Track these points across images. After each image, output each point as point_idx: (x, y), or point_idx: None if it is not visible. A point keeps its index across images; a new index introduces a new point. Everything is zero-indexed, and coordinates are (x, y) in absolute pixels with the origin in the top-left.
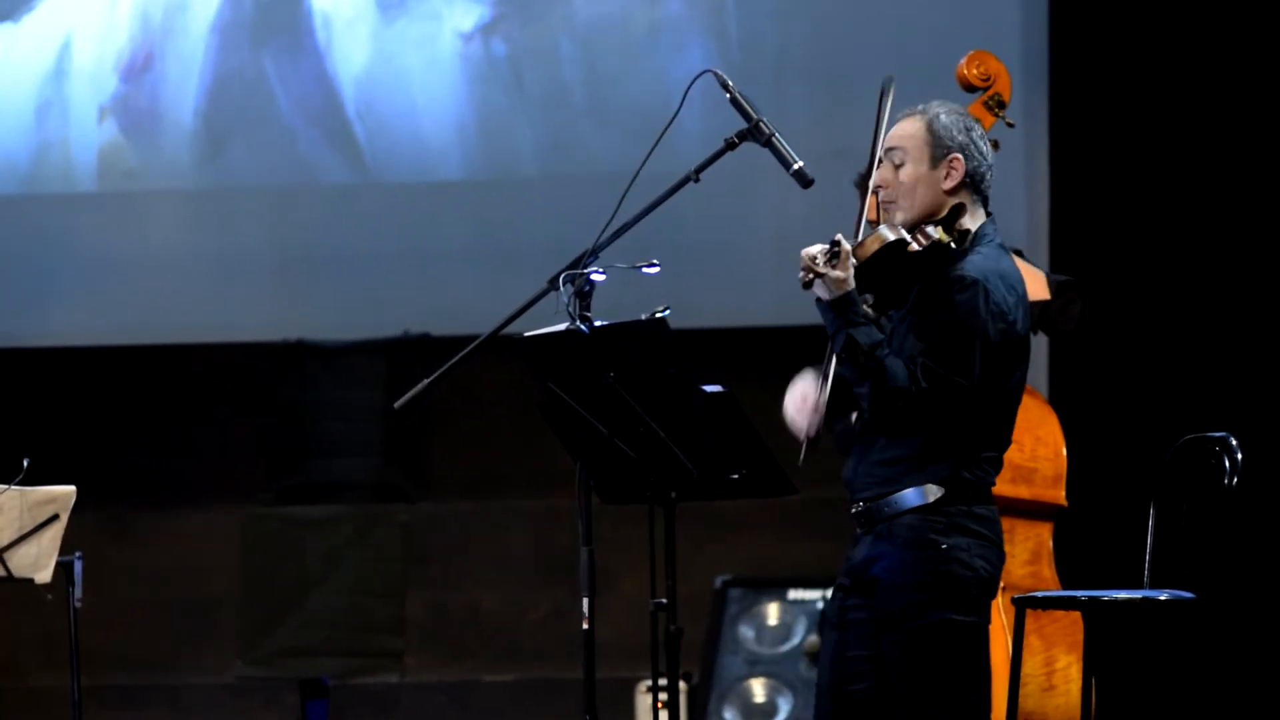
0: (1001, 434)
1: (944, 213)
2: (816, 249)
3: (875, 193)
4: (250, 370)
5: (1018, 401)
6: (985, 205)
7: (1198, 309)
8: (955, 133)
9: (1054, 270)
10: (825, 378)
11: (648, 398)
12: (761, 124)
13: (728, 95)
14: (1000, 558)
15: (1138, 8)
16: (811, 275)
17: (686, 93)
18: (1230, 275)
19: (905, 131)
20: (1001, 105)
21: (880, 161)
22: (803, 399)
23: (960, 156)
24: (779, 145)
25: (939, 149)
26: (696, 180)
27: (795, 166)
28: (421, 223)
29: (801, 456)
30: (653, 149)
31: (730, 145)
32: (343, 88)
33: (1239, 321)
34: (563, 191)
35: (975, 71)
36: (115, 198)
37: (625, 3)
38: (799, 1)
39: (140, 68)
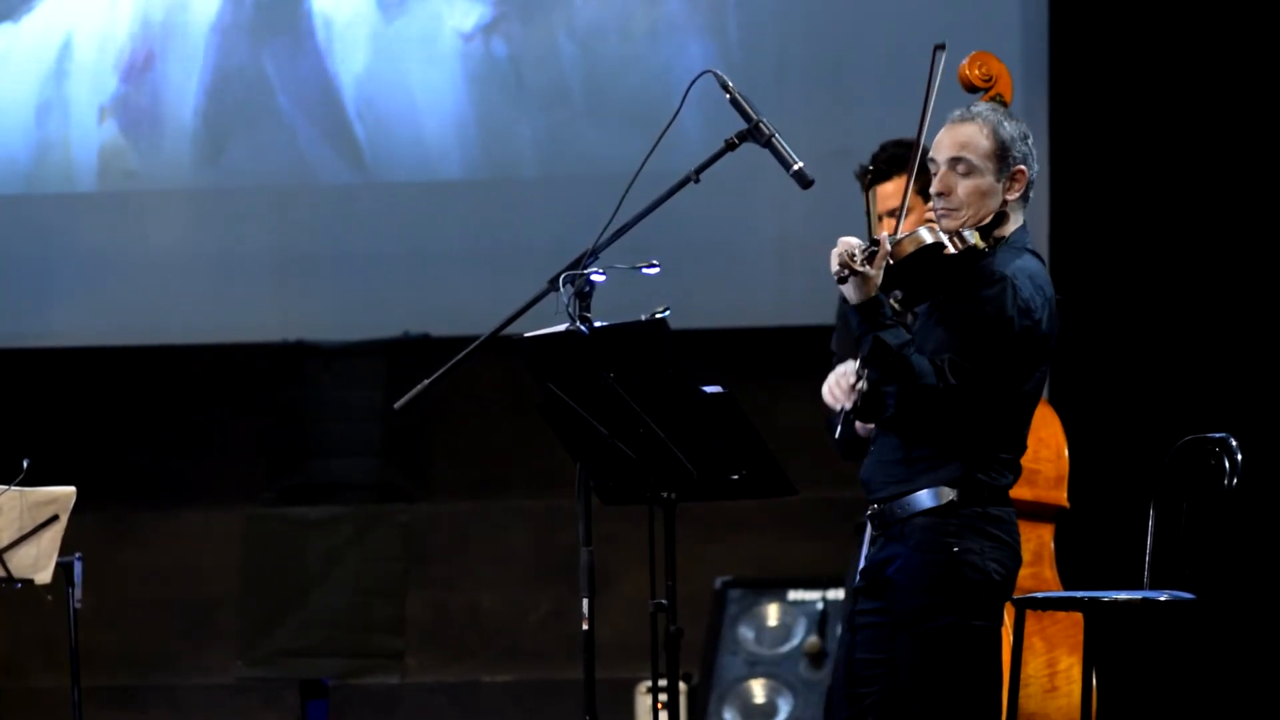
0: (1017, 436)
1: (988, 220)
2: (855, 245)
3: (934, 198)
4: (250, 370)
5: (1035, 405)
6: (1025, 211)
7: (1197, 310)
8: (1019, 143)
9: (1053, 270)
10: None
11: (647, 398)
12: (761, 124)
13: (728, 95)
14: (1016, 561)
15: (1138, 8)
16: (847, 272)
17: (686, 93)
18: (1230, 276)
19: (970, 140)
20: (1003, 106)
21: (939, 167)
22: (839, 379)
23: (1024, 169)
24: (779, 146)
25: (1006, 161)
26: (696, 180)
27: (795, 167)
28: (421, 223)
29: (838, 430)
30: (653, 149)
31: (730, 145)
32: (343, 88)
33: (1239, 322)
34: (563, 191)
35: (977, 72)
36: (115, 198)
37: (625, 3)
38: (799, 1)
39: (140, 68)
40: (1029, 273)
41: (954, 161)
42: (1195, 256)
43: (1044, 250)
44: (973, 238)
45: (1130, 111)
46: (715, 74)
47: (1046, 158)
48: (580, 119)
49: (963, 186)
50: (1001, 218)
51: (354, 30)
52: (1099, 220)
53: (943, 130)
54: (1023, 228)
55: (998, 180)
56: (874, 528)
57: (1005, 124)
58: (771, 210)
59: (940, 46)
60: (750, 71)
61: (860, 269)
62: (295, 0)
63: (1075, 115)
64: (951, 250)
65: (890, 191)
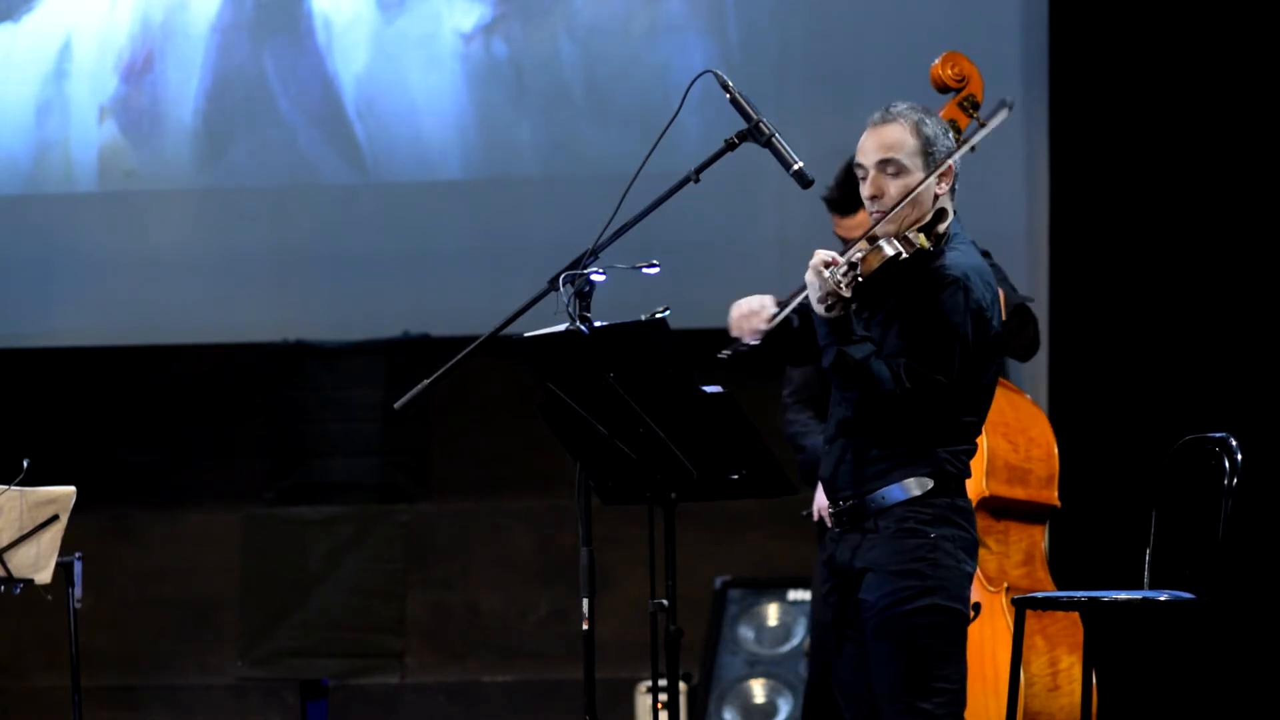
0: (976, 430)
1: (928, 218)
2: (839, 274)
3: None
4: (250, 370)
5: (990, 398)
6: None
7: (1197, 309)
8: (943, 137)
9: (1053, 270)
10: (784, 308)
11: (647, 398)
12: (761, 124)
13: (728, 95)
14: (976, 549)
15: (1138, 7)
16: (834, 300)
17: (686, 93)
18: (1229, 275)
19: (894, 140)
20: (975, 106)
21: (867, 172)
22: (750, 310)
23: (951, 162)
24: (779, 145)
25: (932, 156)
26: (696, 180)
27: (795, 167)
28: (421, 223)
29: (724, 352)
30: (653, 149)
31: (730, 145)
32: (343, 88)
33: (1239, 321)
34: (563, 191)
35: (950, 72)
36: (115, 198)
37: (625, 3)
38: (799, 1)
39: (140, 68)
40: (977, 269)
41: (883, 164)
42: (1195, 256)
43: (1044, 250)
44: (918, 240)
45: (1130, 111)
46: (715, 74)
47: (1046, 157)
48: (580, 119)
49: (894, 187)
50: (941, 214)
51: (354, 30)
52: (1099, 220)
53: (865, 134)
54: (957, 220)
55: (926, 177)
56: (840, 525)
57: (926, 120)
58: (771, 210)
59: (1007, 105)
60: (750, 71)
61: (847, 295)
62: (295, 0)
63: (1075, 115)
64: (904, 255)
65: (855, 224)
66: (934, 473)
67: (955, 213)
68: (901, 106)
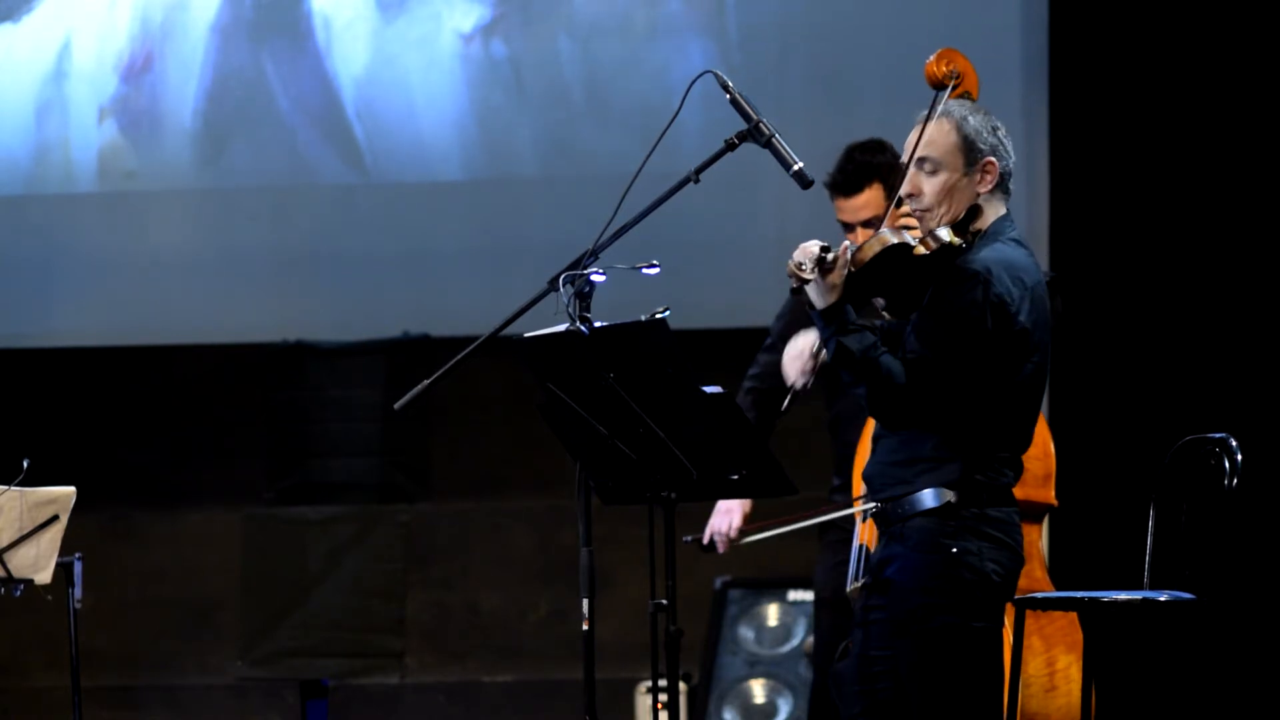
0: (1018, 432)
1: (962, 216)
2: (804, 256)
3: (904, 200)
4: (250, 370)
5: (1035, 399)
6: (1007, 202)
7: (1197, 309)
8: (986, 135)
9: (1053, 268)
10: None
11: (647, 398)
12: (761, 124)
13: (728, 95)
14: (1016, 561)
15: (1138, 8)
16: (796, 282)
17: (686, 93)
18: (1229, 275)
19: (933, 138)
20: (970, 100)
21: (908, 168)
22: (798, 353)
23: (994, 160)
24: (779, 146)
25: (973, 154)
26: (696, 180)
27: (795, 167)
28: (421, 223)
29: (784, 404)
30: (653, 149)
31: (730, 146)
32: (343, 88)
33: (1239, 321)
34: (563, 191)
35: (945, 69)
36: (115, 198)
37: (625, 3)
38: (799, 1)
39: (140, 68)
40: (1007, 264)
41: (920, 161)
42: (1195, 256)
43: (1043, 250)
44: (947, 235)
45: (1130, 111)
46: (715, 74)
47: (1046, 157)
48: (580, 119)
49: (930, 185)
50: (976, 211)
51: (354, 30)
52: (1099, 220)
53: (911, 131)
54: (1005, 217)
55: (965, 175)
56: (877, 526)
57: (970, 118)
58: (771, 210)
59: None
60: (750, 71)
61: (809, 277)
62: (295, 0)
63: (1075, 115)
64: (923, 250)
65: (859, 205)
66: (961, 481)
67: (1008, 212)
68: (951, 104)
